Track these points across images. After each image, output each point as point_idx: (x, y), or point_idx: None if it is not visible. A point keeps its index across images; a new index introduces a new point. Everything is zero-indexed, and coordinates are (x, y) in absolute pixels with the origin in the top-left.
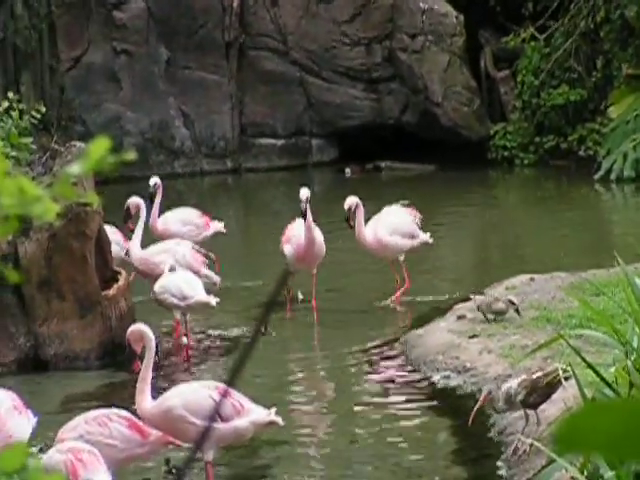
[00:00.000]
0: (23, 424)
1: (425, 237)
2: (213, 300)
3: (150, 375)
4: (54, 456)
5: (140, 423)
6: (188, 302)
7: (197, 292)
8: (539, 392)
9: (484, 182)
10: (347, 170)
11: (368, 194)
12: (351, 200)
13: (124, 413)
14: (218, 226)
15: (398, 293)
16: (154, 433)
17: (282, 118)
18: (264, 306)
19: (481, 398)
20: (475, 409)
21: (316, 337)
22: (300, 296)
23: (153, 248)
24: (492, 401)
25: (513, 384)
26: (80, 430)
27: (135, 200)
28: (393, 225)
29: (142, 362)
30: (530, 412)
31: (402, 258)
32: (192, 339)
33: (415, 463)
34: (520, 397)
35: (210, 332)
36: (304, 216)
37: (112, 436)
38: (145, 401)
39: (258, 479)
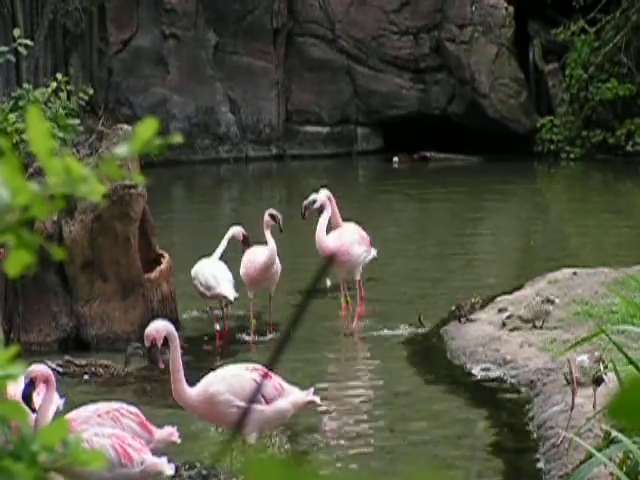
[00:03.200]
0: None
1: (374, 252)
2: (232, 295)
3: (181, 364)
4: (92, 440)
5: (147, 421)
6: (212, 292)
7: (220, 285)
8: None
9: (529, 175)
10: (395, 159)
11: (415, 183)
12: (324, 194)
13: (133, 409)
14: None
15: (357, 317)
16: (159, 432)
17: (328, 106)
18: (304, 293)
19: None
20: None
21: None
22: (329, 283)
23: None
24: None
25: (584, 358)
26: (93, 423)
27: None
28: (358, 236)
29: (164, 358)
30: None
31: (359, 276)
32: (228, 325)
33: (454, 454)
34: (593, 373)
35: (251, 317)
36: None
37: (124, 431)
38: (184, 390)
39: (294, 467)
